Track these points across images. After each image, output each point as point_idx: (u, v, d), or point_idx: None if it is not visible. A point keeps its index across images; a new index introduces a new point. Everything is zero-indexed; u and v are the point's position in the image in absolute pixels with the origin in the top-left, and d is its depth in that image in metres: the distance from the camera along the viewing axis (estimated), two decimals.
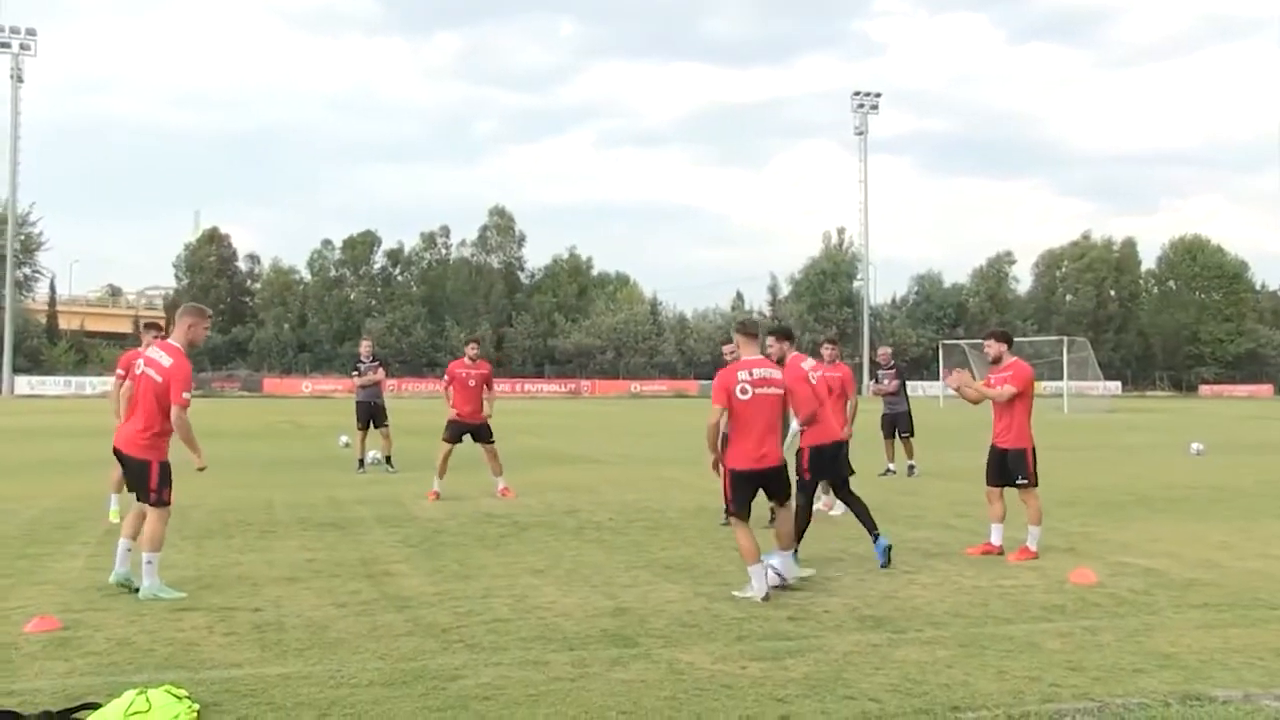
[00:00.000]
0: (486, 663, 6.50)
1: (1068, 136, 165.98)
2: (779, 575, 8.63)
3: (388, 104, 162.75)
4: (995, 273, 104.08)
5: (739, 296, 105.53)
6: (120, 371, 11.39)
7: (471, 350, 15.38)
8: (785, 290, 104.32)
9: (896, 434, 18.75)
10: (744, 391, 8.43)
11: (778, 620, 7.66)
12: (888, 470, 18.53)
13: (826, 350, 14.02)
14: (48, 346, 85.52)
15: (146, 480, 8.48)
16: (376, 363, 19.55)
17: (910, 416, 18.82)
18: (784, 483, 8.75)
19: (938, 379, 62.53)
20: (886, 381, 18.99)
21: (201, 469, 8.79)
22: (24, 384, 73.63)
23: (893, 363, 19.38)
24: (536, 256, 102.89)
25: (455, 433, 15.06)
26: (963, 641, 7.03)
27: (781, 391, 8.62)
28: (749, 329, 8.90)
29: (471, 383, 15.17)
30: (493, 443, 15.24)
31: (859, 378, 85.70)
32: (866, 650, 6.82)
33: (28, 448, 24.12)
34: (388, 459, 18.84)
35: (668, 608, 8.03)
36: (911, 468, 18.44)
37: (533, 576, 9.28)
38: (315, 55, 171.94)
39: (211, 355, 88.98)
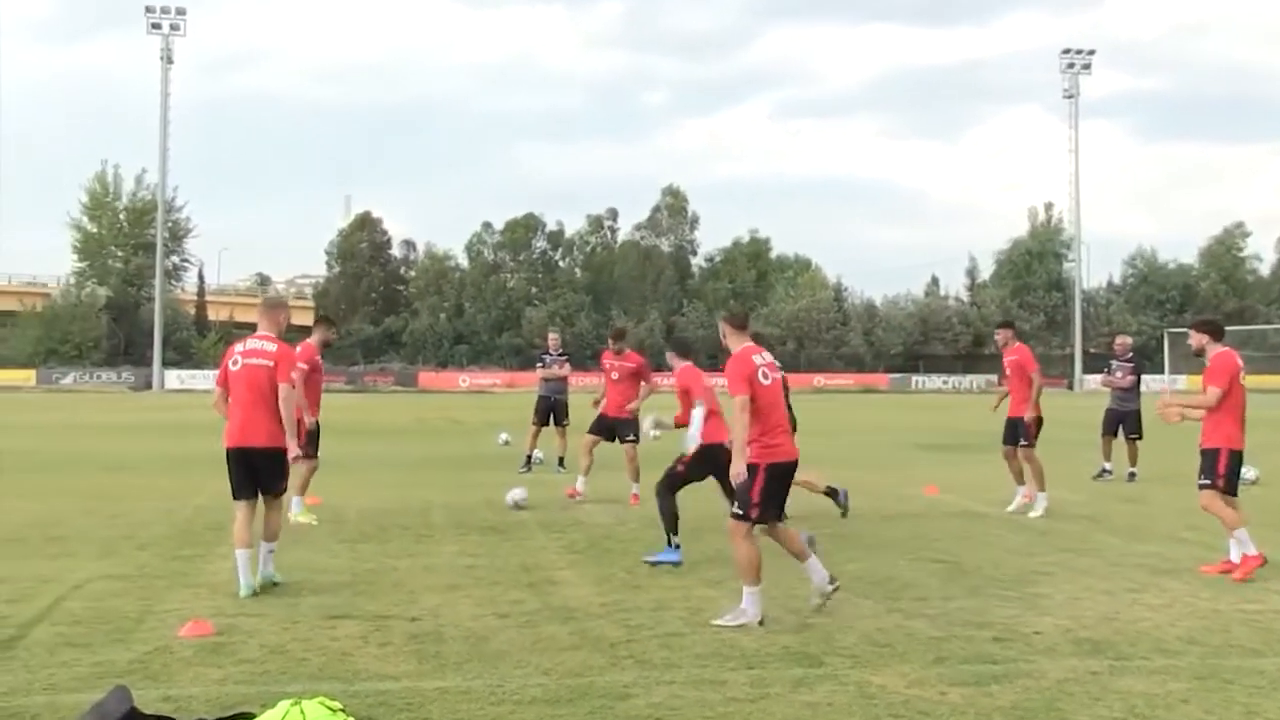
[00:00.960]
0: (658, 681, 6.53)
1: None
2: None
3: (548, 76, 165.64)
4: (1227, 250, 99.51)
5: (934, 281, 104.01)
6: (302, 366, 12.41)
7: (614, 343, 15.43)
8: (986, 273, 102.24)
9: (1121, 434, 18.20)
10: (765, 376, 8.31)
11: (981, 641, 7.49)
12: (1103, 471, 17.97)
13: (1000, 335, 14.43)
14: (197, 339, 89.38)
15: (283, 469, 9.27)
16: (564, 356, 19.71)
17: (1140, 417, 18.24)
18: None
19: (1162, 372, 60.35)
20: (1120, 375, 18.45)
21: (295, 457, 9.43)
22: (174, 378, 77.30)
23: (1130, 354, 18.84)
24: (710, 239, 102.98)
25: (598, 427, 15.13)
26: (1200, 673, 6.74)
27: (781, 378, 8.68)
28: (739, 321, 8.78)
29: (615, 375, 15.17)
30: (633, 441, 14.96)
31: (1070, 370, 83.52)
32: (1084, 678, 6.61)
33: (180, 444, 25.25)
34: (560, 460, 19.06)
35: (856, 624, 7.94)
36: (1132, 474, 17.81)
37: (708, 588, 9.28)
38: (470, 24, 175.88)
39: (364, 348, 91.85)
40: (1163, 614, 8.35)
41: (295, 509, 12.83)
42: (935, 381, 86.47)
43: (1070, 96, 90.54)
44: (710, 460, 10.12)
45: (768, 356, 8.48)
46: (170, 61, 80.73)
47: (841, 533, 12.30)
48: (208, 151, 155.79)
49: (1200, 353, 10.41)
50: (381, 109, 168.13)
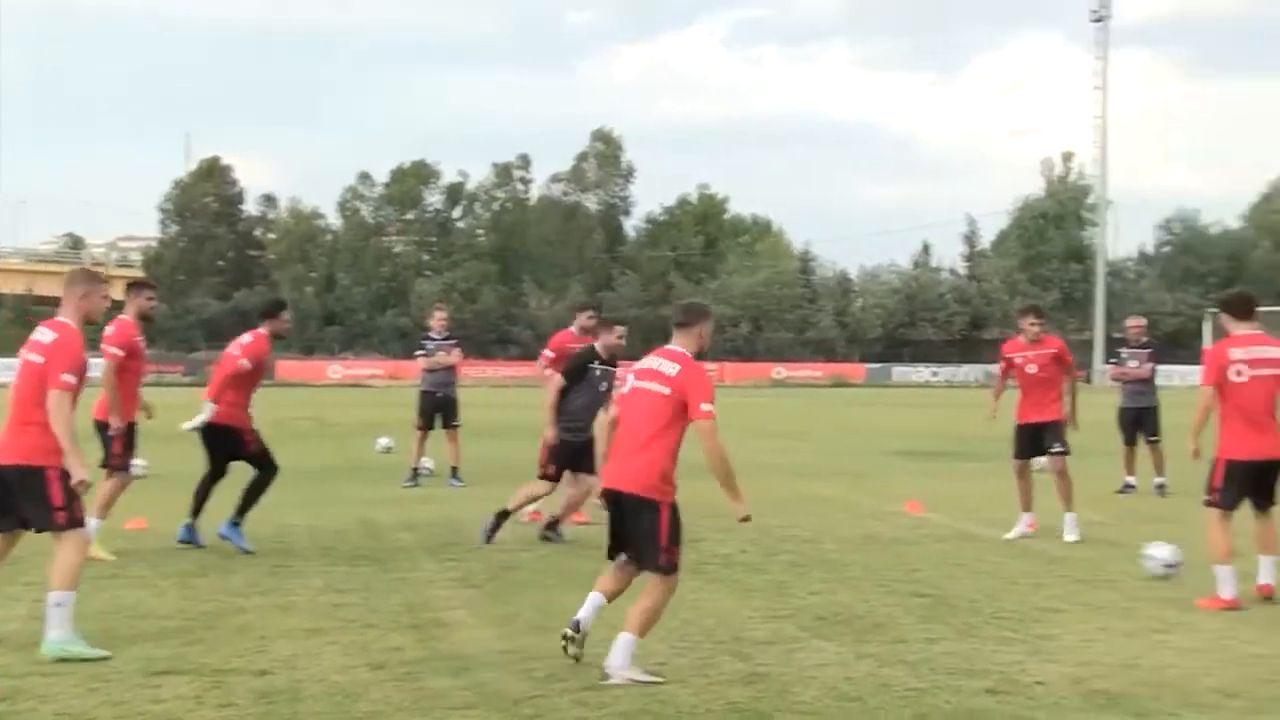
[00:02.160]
0: None
1: None
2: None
3: None
4: None
5: (924, 249, 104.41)
6: (116, 351, 12.14)
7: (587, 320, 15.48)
8: (988, 240, 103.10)
9: (1140, 437, 18.34)
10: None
11: (971, 693, 7.57)
12: (1126, 486, 18.13)
13: (1034, 324, 14.30)
14: None
15: (45, 496, 8.54)
16: (452, 340, 19.49)
17: (1158, 415, 18.39)
18: None
19: (1200, 361, 61.36)
20: (1134, 364, 18.59)
21: (81, 483, 8.56)
22: None
23: (1144, 339, 19.01)
24: (649, 195, 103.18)
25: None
26: None
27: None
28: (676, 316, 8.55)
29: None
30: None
31: (1089, 358, 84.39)
32: None
33: None
34: (454, 470, 18.98)
35: (820, 674, 8.00)
36: (1160, 485, 17.95)
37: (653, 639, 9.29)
38: None
39: (208, 329, 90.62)
40: (1194, 659, 8.48)
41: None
42: (923, 373, 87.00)
43: (1100, 19, 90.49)
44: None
45: (653, 362, 8.21)
46: None
47: (802, 560, 12.34)
48: None
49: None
50: (231, 25, 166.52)
